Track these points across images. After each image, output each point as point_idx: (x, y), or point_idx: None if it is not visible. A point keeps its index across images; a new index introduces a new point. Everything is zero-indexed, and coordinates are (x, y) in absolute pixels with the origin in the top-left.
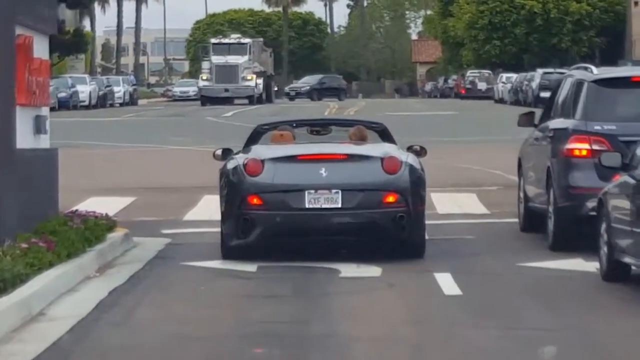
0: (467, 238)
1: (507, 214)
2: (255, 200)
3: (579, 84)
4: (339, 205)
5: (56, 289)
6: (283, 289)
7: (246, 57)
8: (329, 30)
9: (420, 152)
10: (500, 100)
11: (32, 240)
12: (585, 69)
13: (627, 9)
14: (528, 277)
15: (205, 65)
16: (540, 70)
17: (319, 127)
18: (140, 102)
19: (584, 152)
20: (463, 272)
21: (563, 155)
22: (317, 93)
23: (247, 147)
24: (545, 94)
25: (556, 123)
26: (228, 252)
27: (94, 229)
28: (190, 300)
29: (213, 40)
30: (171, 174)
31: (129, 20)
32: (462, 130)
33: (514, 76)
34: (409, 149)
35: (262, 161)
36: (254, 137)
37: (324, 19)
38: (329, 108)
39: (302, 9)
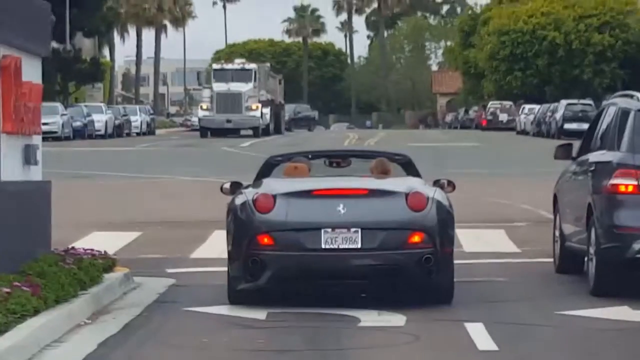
0: (498, 281)
1: (540, 253)
2: (265, 240)
3: (623, 113)
4: (359, 246)
5: (39, 341)
6: (295, 342)
7: (251, 85)
8: (349, 60)
9: (448, 187)
10: (523, 132)
11: (15, 284)
12: (631, 96)
13: None
14: (570, 329)
15: (205, 93)
16: (564, 102)
17: (338, 159)
18: (158, 131)
19: (631, 188)
20: (496, 321)
21: (607, 191)
22: (294, 123)
23: (257, 180)
24: (570, 126)
25: (598, 156)
26: (236, 297)
27: (89, 270)
28: (189, 355)
29: (214, 66)
30: (180, 207)
31: (148, 51)
32: (486, 163)
33: (536, 107)
34: (436, 183)
35: (274, 196)
36: (266, 170)
37: (344, 50)
38: (349, 138)
39: (322, 39)
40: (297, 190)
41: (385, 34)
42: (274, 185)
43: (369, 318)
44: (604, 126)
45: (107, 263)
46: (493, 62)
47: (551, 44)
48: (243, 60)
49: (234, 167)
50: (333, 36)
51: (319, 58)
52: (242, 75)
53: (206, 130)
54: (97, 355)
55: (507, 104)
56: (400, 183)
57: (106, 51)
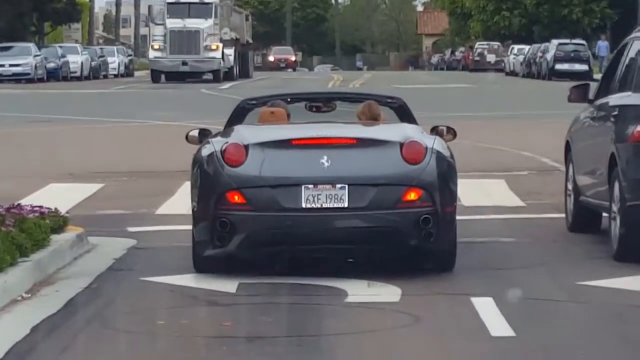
0: (505, 241)
1: (547, 207)
2: (236, 198)
3: None
4: (345, 205)
5: None
6: (268, 325)
7: (211, 21)
8: (333, 1)
9: (447, 135)
10: (512, 73)
11: None
12: None
13: None
14: (598, 305)
15: (157, 31)
16: (555, 41)
17: (321, 103)
18: (137, 73)
19: None
20: (508, 295)
21: (634, 139)
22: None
23: (227, 128)
24: (561, 66)
25: (621, 98)
26: (202, 264)
27: (33, 231)
28: (138, 344)
29: (169, 0)
30: (149, 155)
31: None
32: (480, 106)
33: (526, 48)
34: (434, 130)
35: (246, 146)
36: (238, 116)
37: None
38: (333, 80)
39: None
40: (273, 140)
41: None
42: (246, 133)
43: (357, 291)
44: (627, 64)
45: (57, 222)
46: (480, 1)
47: None
48: None
49: (211, 111)
50: None
51: None
52: (200, 10)
53: (158, 74)
54: (25, 345)
55: (495, 44)
56: (393, 131)
57: None
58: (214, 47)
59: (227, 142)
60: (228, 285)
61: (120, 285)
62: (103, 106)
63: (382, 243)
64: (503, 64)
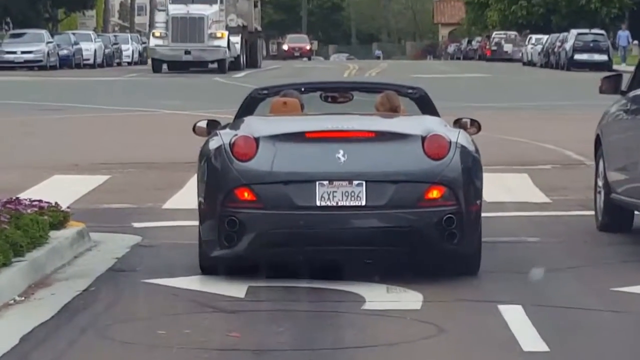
0: (531, 241)
1: (574, 203)
2: (245, 195)
3: None
4: (363, 203)
5: None
6: (279, 336)
7: (216, 7)
8: None
9: (471, 128)
10: (530, 63)
11: None
12: None
13: None
14: (636, 313)
15: (159, 17)
16: (574, 31)
17: (337, 93)
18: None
19: None
20: (538, 303)
21: None
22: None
23: (237, 119)
24: (581, 57)
25: None
26: (209, 266)
27: (30, 228)
28: (135, 358)
29: None
30: (158, 145)
31: None
32: (499, 96)
33: (544, 38)
34: (457, 123)
35: (256, 139)
36: (248, 106)
37: None
38: (349, 70)
39: None
40: (286, 132)
41: None
42: (257, 125)
43: (375, 296)
44: None
45: (57, 218)
46: None
47: None
48: None
49: (224, 101)
50: None
51: None
52: None
53: (159, 63)
54: (12, 357)
55: (512, 34)
56: (414, 123)
57: None
58: (219, 35)
59: (236, 135)
60: (236, 289)
61: (121, 288)
62: (114, 94)
63: (402, 244)
64: (521, 54)
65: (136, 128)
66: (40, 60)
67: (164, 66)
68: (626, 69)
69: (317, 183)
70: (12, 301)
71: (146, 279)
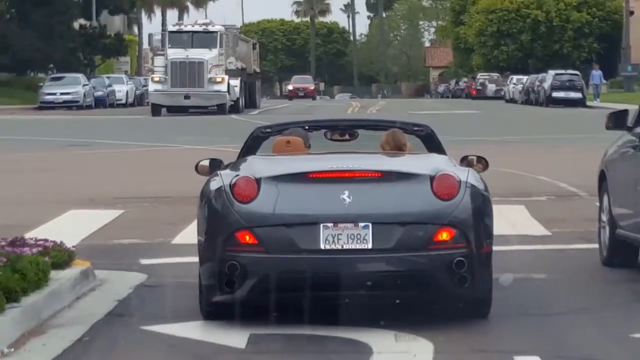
0: (538, 278)
1: (574, 236)
2: (246, 238)
3: None
4: (369, 246)
5: None
6: None
7: (215, 51)
8: (351, 38)
9: (477, 165)
10: (511, 100)
11: None
12: None
13: (624, 18)
14: None
15: (158, 62)
16: (551, 72)
17: (342, 131)
18: None
19: None
20: (557, 353)
21: None
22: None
23: (239, 159)
24: (558, 94)
25: None
26: (209, 311)
27: (29, 272)
28: None
29: (170, 28)
30: (173, 179)
31: None
32: (489, 131)
33: (524, 78)
34: (463, 160)
35: (258, 180)
36: (251, 145)
37: (347, 28)
38: (352, 107)
39: (328, 19)
40: (288, 173)
41: (384, 14)
42: (258, 165)
43: (383, 346)
44: None
45: (61, 257)
46: (481, 37)
47: (534, 21)
48: (207, 20)
49: (238, 136)
50: (337, 16)
51: (325, 36)
52: (204, 39)
53: (159, 108)
54: None
55: (495, 75)
56: (422, 162)
57: (136, 29)
58: (219, 79)
59: (237, 175)
60: (237, 338)
61: (116, 337)
62: (138, 131)
63: (411, 289)
64: (503, 93)
65: (153, 163)
66: (77, 101)
67: (163, 109)
68: (600, 104)
69: (321, 225)
70: (1, 352)
71: (145, 325)
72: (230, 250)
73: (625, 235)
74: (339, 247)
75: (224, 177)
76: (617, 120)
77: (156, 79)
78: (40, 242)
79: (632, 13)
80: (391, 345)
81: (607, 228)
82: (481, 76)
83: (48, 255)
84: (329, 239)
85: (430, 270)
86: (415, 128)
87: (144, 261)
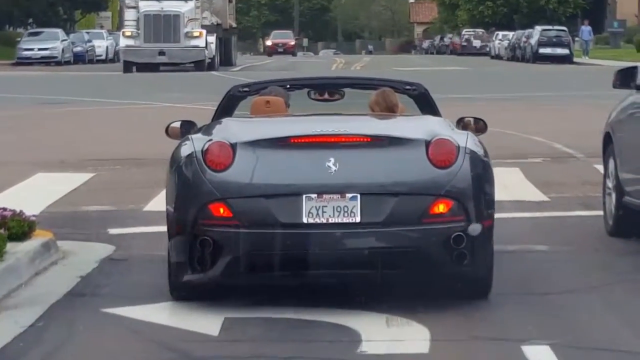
0: (539, 251)
1: (573, 202)
2: (220, 211)
3: None
4: (358, 220)
5: None
6: None
7: (192, 4)
8: None
9: (476, 128)
10: (497, 57)
11: None
12: None
13: None
14: None
15: (129, 15)
16: (538, 28)
17: (327, 90)
18: None
19: None
20: (569, 342)
21: None
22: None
23: (214, 121)
24: (545, 50)
25: None
26: (179, 291)
27: None
28: None
29: None
30: (148, 140)
31: None
32: (478, 87)
33: (510, 34)
34: (459, 123)
35: (233, 146)
36: (227, 106)
37: None
38: (336, 63)
39: None
40: (267, 137)
41: None
42: (234, 129)
43: (373, 333)
44: None
45: (20, 228)
46: None
47: None
48: None
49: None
50: None
51: None
52: None
53: (130, 65)
54: None
55: (480, 31)
56: (416, 125)
57: None
58: (196, 33)
59: (210, 140)
60: (210, 323)
61: (74, 321)
62: (118, 88)
63: (403, 267)
64: (488, 49)
65: (131, 122)
66: (56, 57)
67: (133, 67)
68: (588, 61)
69: (304, 197)
70: None
71: (108, 307)
72: (201, 224)
73: (634, 203)
74: (324, 221)
75: (196, 142)
76: (625, 78)
77: (127, 33)
78: None
79: None
80: (382, 331)
81: (613, 195)
82: (466, 32)
83: (4, 227)
84: (312, 211)
85: (425, 246)
86: (407, 87)
87: (113, 230)
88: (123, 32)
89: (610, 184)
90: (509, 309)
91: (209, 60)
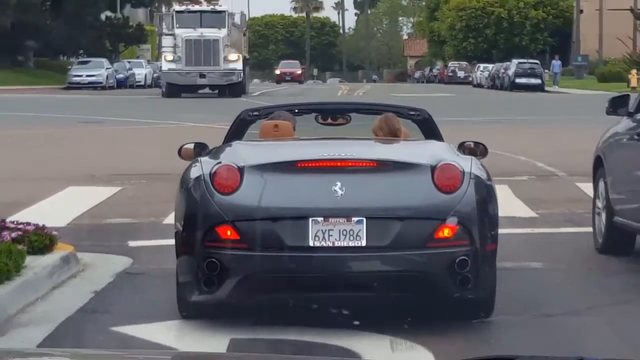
0: (535, 268)
1: (560, 218)
2: (228, 233)
3: None
4: (363, 243)
5: None
6: None
7: (225, 31)
8: (341, 31)
9: (477, 152)
10: (478, 85)
11: None
12: None
13: (574, 15)
14: None
15: (167, 42)
16: (515, 61)
17: (333, 114)
18: None
19: None
20: None
21: None
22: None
23: (223, 144)
24: (520, 80)
25: None
26: (187, 310)
27: (1, 259)
28: None
29: (176, 8)
30: (176, 156)
31: None
32: (465, 111)
33: (490, 66)
34: (460, 147)
35: (241, 169)
36: (237, 130)
37: (337, 23)
38: (341, 90)
39: (321, 14)
40: (275, 161)
41: (369, 11)
42: (242, 152)
43: (377, 355)
44: None
45: (41, 242)
46: (452, 31)
47: (497, 17)
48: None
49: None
50: (329, 12)
51: (318, 29)
52: (213, 19)
53: (173, 87)
54: None
55: (464, 63)
56: (421, 150)
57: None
58: (233, 57)
59: (218, 163)
60: (216, 343)
61: (81, 340)
62: (153, 110)
63: (408, 291)
64: (470, 78)
65: (159, 139)
66: (101, 82)
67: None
68: (558, 90)
69: (310, 220)
70: None
71: (116, 325)
72: (209, 246)
73: (624, 223)
74: (330, 244)
75: (204, 165)
76: (618, 105)
77: (169, 57)
78: (21, 226)
79: (581, 11)
80: (387, 355)
81: (603, 215)
82: (452, 64)
83: (25, 242)
84: (318, 235)
85: (430, 270)
86: (412, 112)
87: (132, 243)
88: (165, 57)
89: (600, 204)
90: (510, 331)
91: (238, 83)
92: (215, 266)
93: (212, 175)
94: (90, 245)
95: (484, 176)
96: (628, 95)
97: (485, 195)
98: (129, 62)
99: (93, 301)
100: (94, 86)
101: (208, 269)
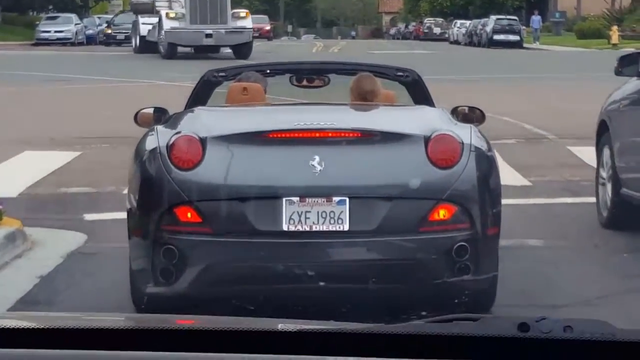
0: (534, 246)
1: (556, 187)
2: (188, 215)
3: None
4: (346, 227)
5: None
6: None
7: None
8: None
9: (473, 119)
10: (455, 42)
11: None
12: None
13: None
14: None
15: None
16: (493, 17)
17: (311, 75)
18: None
19: None
20: None
21: None
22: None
23: (184, 110)
24: (498, 37)
25: None
26: (142, 302)
27: None
28: None
29: None
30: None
31: None
32: (445, 69)
33: (467, 22)
34: (454, 112)
35: (203, 140)
36: (201, 93)
37: None
38: (316, 46)
39: None
40: (243, 132)
41: None
42: (205, 120)
43: None
44: None
45: None
46: None
47: None
48: None
49: None
50: None
51: None
52: None
53: (174, 48)
54: None
55: (440, 20)
56: (413, 118)
57: None
58: (242, 14)
59: (177, 134)
60: None
61: None
62: (121, 67)
63: (398, 282)
64: (447, 35)
65: (126, 99)
66: (70, 38)
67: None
68: (538, 46)
69: (284, 200)
70: None
71: None
72: (166, 230)
73: (633, 196)
74: (307, 229)
75: (161, 135)
76: (629, 64)
77: (172, 15)
78: None
79: None
80: None
81: (609, 186)
82: (428, 20)
83: None
84: (293, 217)
85: (424, 258)
86: (399, 73)
87: (88, 216)
88: (167, 14)
89: (604, 173)
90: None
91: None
92: (173, 254)
93: (170, 148)
94: (42, 219)
95: (485, 147)
96: (638, 54)
97: (487, 170)
98: (98, 17)
99: (36, 288)
100: (62, 42)
101: (165, 257)
